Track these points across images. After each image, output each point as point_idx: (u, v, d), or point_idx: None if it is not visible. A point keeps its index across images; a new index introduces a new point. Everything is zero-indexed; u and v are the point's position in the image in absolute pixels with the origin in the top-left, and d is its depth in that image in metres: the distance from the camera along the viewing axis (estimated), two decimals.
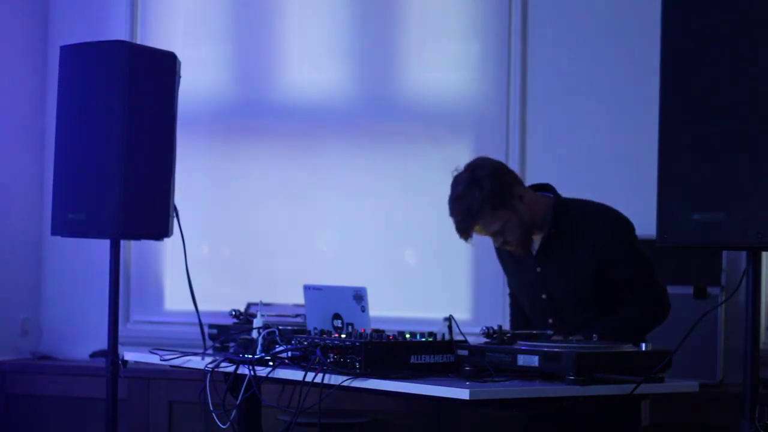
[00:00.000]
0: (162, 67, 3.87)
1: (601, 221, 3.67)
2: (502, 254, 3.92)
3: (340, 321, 3.46)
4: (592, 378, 3.08)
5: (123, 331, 5.13)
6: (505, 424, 4.54)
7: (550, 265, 3.71)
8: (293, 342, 3.39)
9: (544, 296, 3.74)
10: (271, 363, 3.38)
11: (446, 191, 5.06)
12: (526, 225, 3.65)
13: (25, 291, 5.45)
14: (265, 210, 5.31)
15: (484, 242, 4.99)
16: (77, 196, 3.81)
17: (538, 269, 3.74)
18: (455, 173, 3.72)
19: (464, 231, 3.65)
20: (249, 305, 4.08)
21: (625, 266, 3.64)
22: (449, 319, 3.39)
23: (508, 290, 4.08)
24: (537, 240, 3.73)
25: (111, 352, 3.85)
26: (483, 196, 3.58)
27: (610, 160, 4.74)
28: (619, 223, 3.67)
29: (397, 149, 5.14)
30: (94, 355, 5.27)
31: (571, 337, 3.36)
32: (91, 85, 3.80)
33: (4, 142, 5.30)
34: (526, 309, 3.89)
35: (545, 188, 3.78)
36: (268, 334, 3.49)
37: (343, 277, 4.59)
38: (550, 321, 3.74)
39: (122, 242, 3.98)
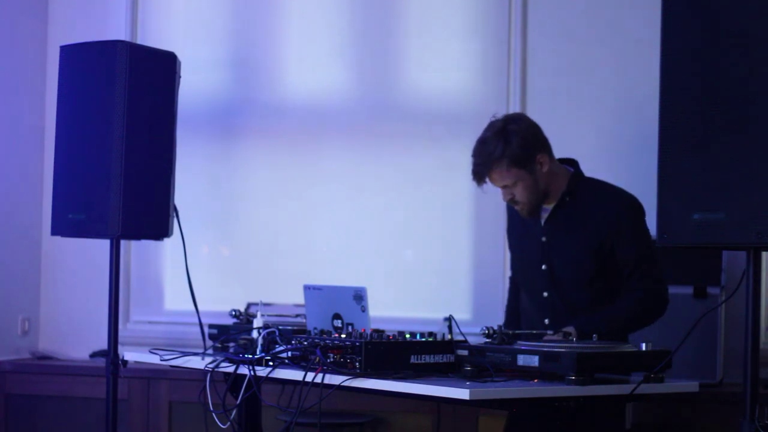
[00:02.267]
0: (162, 67, 3.88)
1: (613, 200, 3.72)
2: (513, 221, 3.95)
3: (340, 321, 3.46)
4: (592, 378, 3.08)
5: (123, 331, 5.14)
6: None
7: (555, 235, 3.76)
8: (293, 342, 3.39)
9: (544, 267, 3.76)
10: (271, 363, 3.38)
11: (446, 191, 5.10)
12: (538, 191, 3.71)
13: (25, 291, 5.45)
14: (265, 210, 5.31)
15: (484, 242, 5.01)
16: (77, 196, 3.81)
17: (543, 238, 3.77)
18: (493, 118, 3.77)
19: (478, 175, 3.72)
20: (249, 305, 4.08)
21: (627, 246, 3.66)
22: (449, 319, 3.39)
23: (509, 274, 4.10)
24: (548, 209, 3.78)
25: (111, 352, 3.85)
26: (505, 150, 3.65)
27: (610, 161, 4.74)
28: (631, 205, 3.70)
29: (397, 149, 5.13)
30: (94, 355, 5.27)
31: (570, 337, 3.36)
32: (91, 85, 3.80)
33: (4, 142, 5.30)
34: (523, 284, 3.90)
35: (570, 162, 3.85)
36: (268, 334, 3.49)
37: (343, 277, 4.59)
38: (545, 294, 3.77)
39: (122, 242, 3.99)
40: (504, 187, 3.71)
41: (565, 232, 3.74)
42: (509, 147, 3.64)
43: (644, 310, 3.65)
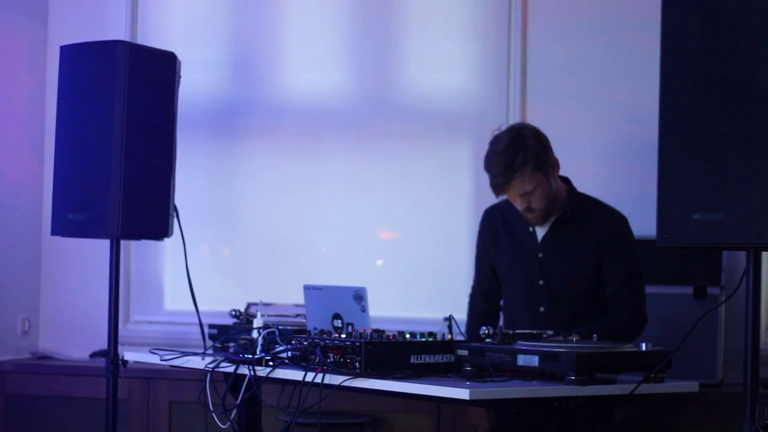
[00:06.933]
0: (162, 67, 3.87)
1: (609, 216, 3.79)
2: (496, 234, 3.93)
3: (340, 321, 3.46)
4: (592, 378, 3.08)
5: (123, 331, 5.14)
6: (505, 424, 4.54)
7: (553, 251, 3.78)
8: (293, 342, 3.39)
9: (541, 282, 3.80)
10: (271, 363, 3.38)
11: (446, 191, 5.10)
12: (553, 196, 3.75)
13: (25, 291, 5.45)
14: (265, 210, 5.31)
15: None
16: (77, 196, 3.81)
17: (540, 255, 3.80)
18: (496, 132, 3.78)
19: (499, 186, 3.70)
20: (249, 305, 4.08)
21: (619, 261, 3.73)
22: (449, 319, 3.39)
23: (473, 283, 4.12)
24: (545, 225, 3.81)
25: (111, 352, 3.85)
26: (527, 154, 3.66)
27: (610, 161, 4.74)
28: (625, 223, 3.79)
29: (396, 149, 5.14)
30: (94, 355, 5.27)
31: (571, 336, 3.36)
32: (91, 85, 3.80)
33: (4, 142, 5.30)
34: (514, 299, 3.91)
35: (564, 180, 3.89)
36: (268, 334, 3.49)
37: (343, 277, 4.59)
38: (542, 309, 3.80)
39: (122, 242, 3.98)
40: (523, 195, 3.70)
41: (565, 248, 3.77)
42: (529, 151, 3.66)
43: (630, 332, 3.71)
